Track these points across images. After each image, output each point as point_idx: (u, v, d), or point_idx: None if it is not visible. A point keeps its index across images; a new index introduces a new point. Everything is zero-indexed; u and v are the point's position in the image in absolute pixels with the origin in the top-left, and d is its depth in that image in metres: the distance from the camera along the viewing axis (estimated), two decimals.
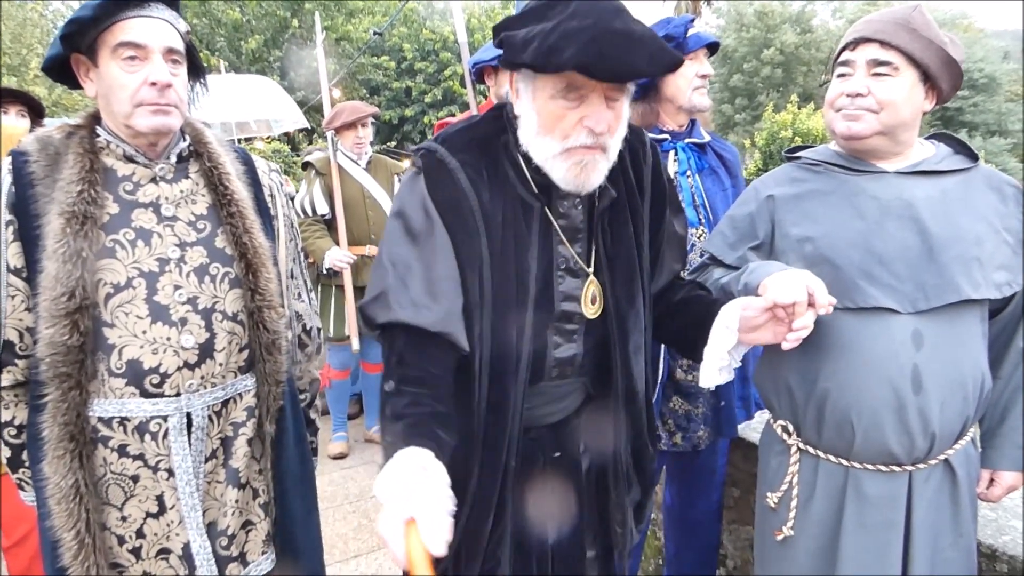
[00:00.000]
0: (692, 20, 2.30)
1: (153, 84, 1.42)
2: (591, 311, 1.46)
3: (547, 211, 1.42)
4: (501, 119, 1.45)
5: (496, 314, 1.37)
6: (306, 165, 4.37)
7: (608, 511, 1.57)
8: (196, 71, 1.62)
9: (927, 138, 1.69)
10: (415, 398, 1.28)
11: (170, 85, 1.44)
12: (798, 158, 1.72)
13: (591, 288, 1.46)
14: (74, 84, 1.54)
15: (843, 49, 1.58)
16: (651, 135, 2.29)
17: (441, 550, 1.03)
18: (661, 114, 2.34)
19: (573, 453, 1.56)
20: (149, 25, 1.44)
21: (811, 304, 1.33)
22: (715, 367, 1.44)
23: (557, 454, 1.54)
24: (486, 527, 1.42)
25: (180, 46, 1.50)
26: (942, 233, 1.50)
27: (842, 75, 1.57)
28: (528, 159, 1.38)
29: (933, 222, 1.51)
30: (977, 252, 1.51)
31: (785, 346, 1.36)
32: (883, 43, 1.50)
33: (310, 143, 14.09)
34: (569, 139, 1.30)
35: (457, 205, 1.36)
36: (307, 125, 9.22)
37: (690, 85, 2.26)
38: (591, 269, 1.46)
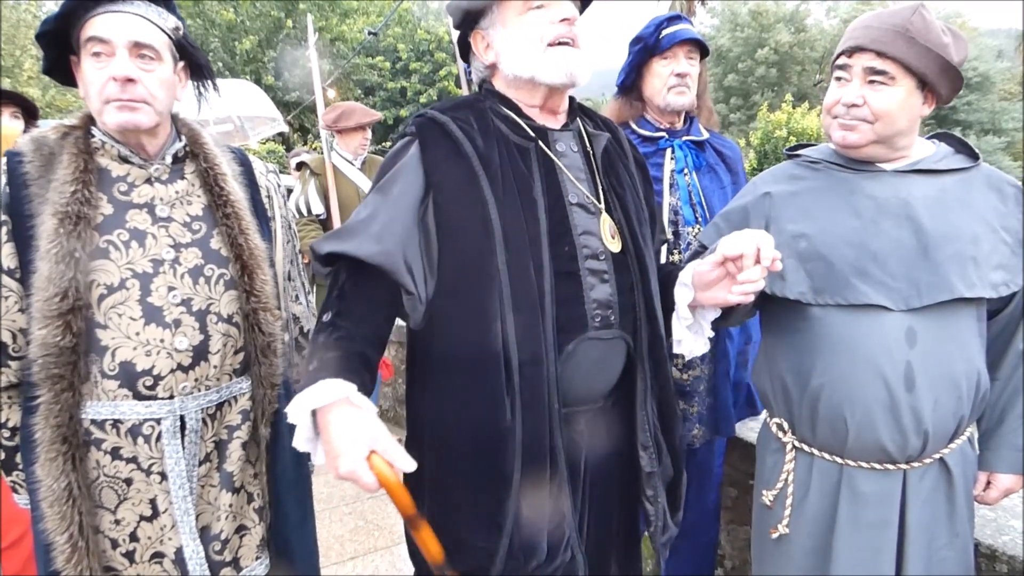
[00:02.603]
0: (666, 20, 2.29)
1: (116, 79, 1.41)
2: (614, 245, 1.49)
3: (546, 151, 1.49)
4: (480, 93, 1.58)
5: (510, 252, 1.38)
6: (301, 165, 4.35)
7: (639, 484, 1.55)
8: (199, 70, 1.60)
9: (928, 137, 1.68)
10: (348, 333, 1.33)
11: (132, 80, 1.42)
12: (798, 156, 1.72)
13: (607, 224, 1.50)
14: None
15: (840, 53, 1.57)
16: (646, 132, 2.30)
17: (411, 465, 1.15)
18: (650, 113, 2.35)
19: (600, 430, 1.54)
20: (114, 20, 1.42)
21: (759, 261, 1.35)
22: (681, 327, 1.51)
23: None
24: (543, 525, 1.41)
25: (154, 41, 1.46)
26: (938, 231, 1.50)
27: (839, 79, 1.57)
28: (516, 109, 1.49)
29: (929, 220, 1.51)
30: (973, 251, 1.50)
31: (731, 299, 1.39)
32: (879, 53, 1.49)
33: (305, 143, 14.05)
34: (546, 36, 1.44)
35: (453, 155, 1.42)
36: (285, 129, 9.17)
37: (665, 84, 2.26)
38: (602, 206, 1.52)
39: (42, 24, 1.45)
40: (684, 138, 2.34)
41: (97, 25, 1.41)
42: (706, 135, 2.40)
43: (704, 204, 2.29)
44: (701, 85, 2.39)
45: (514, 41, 1.46)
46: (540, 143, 1.49)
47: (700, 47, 2.32)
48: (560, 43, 1.43)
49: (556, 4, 1.45)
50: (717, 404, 2.30)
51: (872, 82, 1.51)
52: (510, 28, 1.47)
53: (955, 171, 1.58)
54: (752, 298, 1.39)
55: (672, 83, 2.25)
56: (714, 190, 2.33)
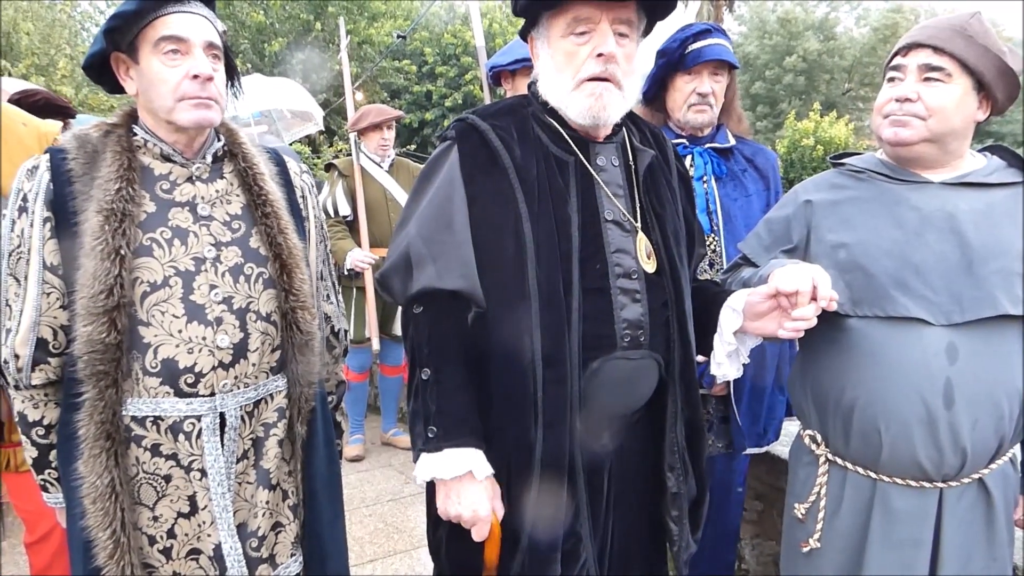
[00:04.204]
0: (692, 36, 2.23)
1: (195, 77, 1.43)
2: (649, 265, 1.47)
3: (586, 165, 1.46)
4: (526, 97, 1.55)
5: (540, 268, 1.37)
6: (329, 167, 4.41)
7: (664, 503, 1.55)
8: (230, 72, 1.63)
9: (980, 150, 1.66)
10: (453, 384, 1.38)
11: (211, 78, 1.46)
12: (843, 164, 1.70)
13: (643, 243, 1.48)
14: (111, 86, 1.55)
15: (895, 54, 1.56)
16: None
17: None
18: (673, 122, 2.33)
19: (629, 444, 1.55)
20: (190, 20, 1.46)
21: (814, 298, 1.33)
22: (723, 352, 1.48)
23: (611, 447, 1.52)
24: (557, 545, 1.41)
25: (218, 41, 1.51)
26: (983, 246, 1.48)
27: (892, 79, 1.55)
28: (559, 118, 1.46)
29: (975, 234, 1.48)
30: (1020, 267, 1.47)
31: (782, 334, 1.38)
32: (936, 48, 1.47)
33: (330, 145, 14.16)
34: (580, 72, 1.39)
35: (490, 166, 1.41)
36: (321, 127, 9.21)
37: (686, 101, 2.24)
38: (639, 224, 1.49)
39: (111, 19, 1.45)
40: (707, 145, 2.31)
41: (173, 24, 1.44)
42: (733, 142, 2.37)
43: (720, 213, 2.26)
44: (731, 92, 2.36)
45: (549, 69, 1.44)
46: (580, 156, 1.47)
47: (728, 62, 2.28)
48: (593, 79, 1.39)
49: (599, 34, 1.38)
50: (729, 416, 2.27)
51: (928, 79, 1.49)
52: (551, 49, 1.44)
53: (1007, 185, 1.56)
54: (802, 334, 1.38)
55: (693, 101, 2.24)
56: (736, 198, 2.30)
